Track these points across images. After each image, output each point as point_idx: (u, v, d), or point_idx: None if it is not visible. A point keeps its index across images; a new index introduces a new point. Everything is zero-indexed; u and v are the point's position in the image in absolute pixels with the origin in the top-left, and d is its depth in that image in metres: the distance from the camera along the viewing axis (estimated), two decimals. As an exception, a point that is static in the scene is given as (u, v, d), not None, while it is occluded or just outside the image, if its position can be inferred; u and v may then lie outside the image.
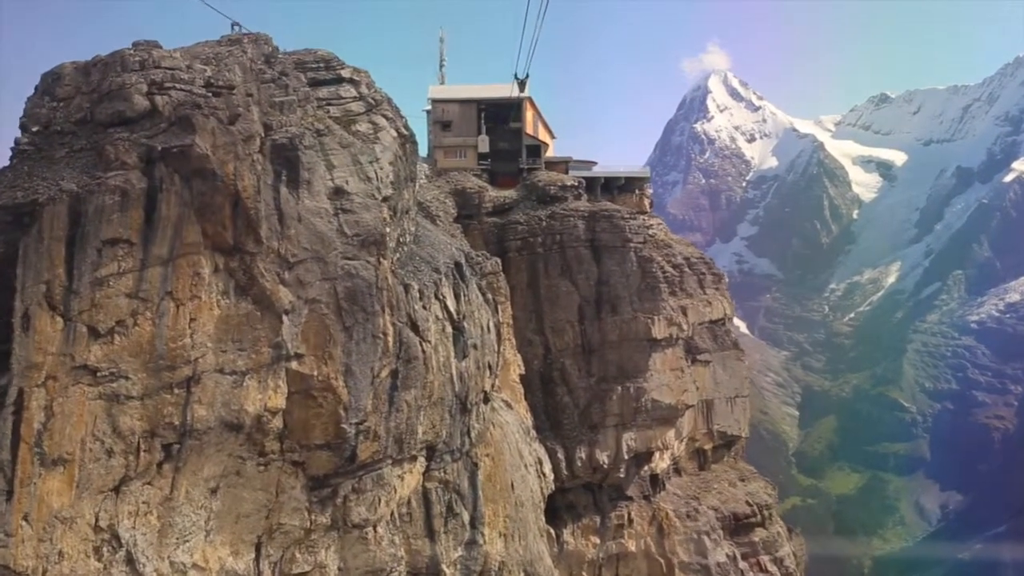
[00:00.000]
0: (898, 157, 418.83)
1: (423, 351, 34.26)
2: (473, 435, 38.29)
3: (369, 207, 32.37)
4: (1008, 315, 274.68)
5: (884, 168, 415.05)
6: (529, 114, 65.93)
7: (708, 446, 64.31)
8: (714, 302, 63.41)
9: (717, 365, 62.87)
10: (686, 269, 61.32)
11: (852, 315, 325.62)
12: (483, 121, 65.80)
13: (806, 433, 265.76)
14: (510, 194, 61.70)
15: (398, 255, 35.39)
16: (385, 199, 33.45)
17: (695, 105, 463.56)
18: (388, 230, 33.07)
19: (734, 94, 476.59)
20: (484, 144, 65.02)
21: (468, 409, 37.78)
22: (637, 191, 66.41)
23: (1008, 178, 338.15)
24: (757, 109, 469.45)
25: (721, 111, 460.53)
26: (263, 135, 30.38)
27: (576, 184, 61.11)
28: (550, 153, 70.14)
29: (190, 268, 27.83)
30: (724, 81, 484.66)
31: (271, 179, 30.31)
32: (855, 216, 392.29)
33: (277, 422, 30.05)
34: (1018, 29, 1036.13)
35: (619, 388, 54.08)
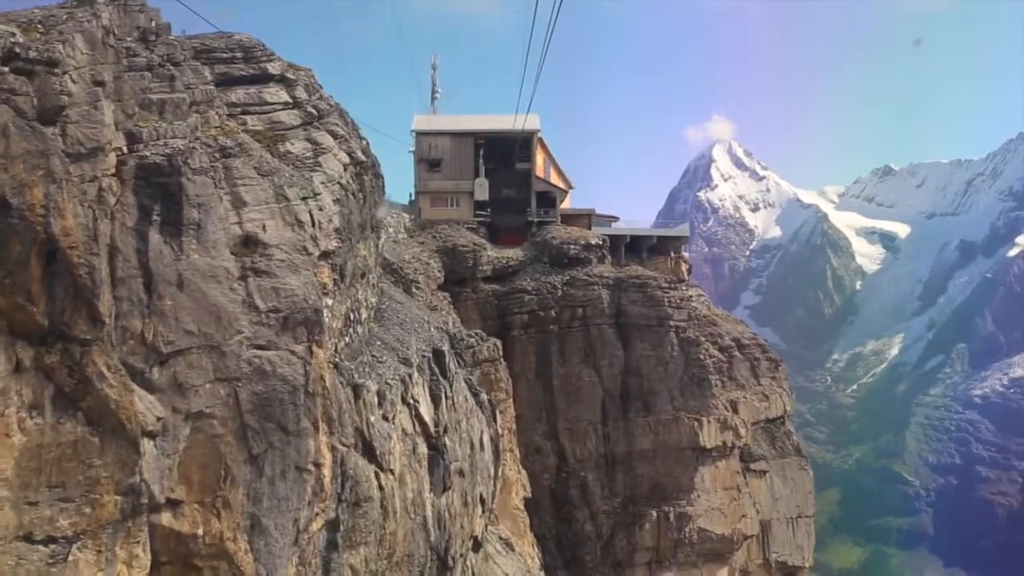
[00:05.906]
0: (901, 229, 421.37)
1: (380, 487, 23.16)
2: (455, 604, 26.90)
3: (298, 267, 20.97)
4: (1012, 390, 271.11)
5: (887, 240, 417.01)
6: (540, 156, 54.48)
7: (763, 582, 50.82)
8: (771, 396, 50.62)
9: (776, 476, 49.68)
10: (736, 353, 48.84)
11: (855, 387, 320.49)
12: (482, 160, 54.33)
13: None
14: (515, 254, 50.41)
15: (347, 340, 24.00)
16: (325, 255, 22.07)
17: (699, 173, 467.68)
18: (329, 302, 22.10)
19: (738, 163, 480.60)
20: (483, 190, 53.47)
21: (450, 565, 26.63)
22: (672, 253, 54.42)
23: (1012, 252, 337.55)
24: (761, 179, 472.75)
25: (725, 180, 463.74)
26: (123, 149, 19.12)
27: (601, 243, 49.47)
28: (566, 205, 58.04)
29: (-33, 366, 16.36)
30: (728, 150, 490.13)
31: (133, 219, 19.04)
32: (858, 287, 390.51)
33: (132, 613, 18.40)
34: (1022, 105, 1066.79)
35: (654, 513, 41.55)
